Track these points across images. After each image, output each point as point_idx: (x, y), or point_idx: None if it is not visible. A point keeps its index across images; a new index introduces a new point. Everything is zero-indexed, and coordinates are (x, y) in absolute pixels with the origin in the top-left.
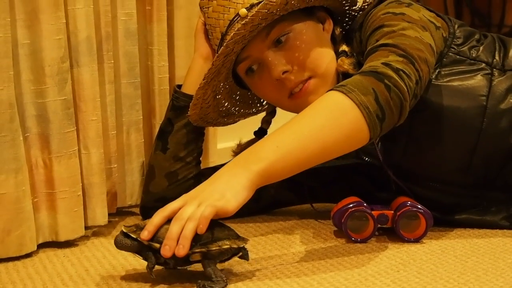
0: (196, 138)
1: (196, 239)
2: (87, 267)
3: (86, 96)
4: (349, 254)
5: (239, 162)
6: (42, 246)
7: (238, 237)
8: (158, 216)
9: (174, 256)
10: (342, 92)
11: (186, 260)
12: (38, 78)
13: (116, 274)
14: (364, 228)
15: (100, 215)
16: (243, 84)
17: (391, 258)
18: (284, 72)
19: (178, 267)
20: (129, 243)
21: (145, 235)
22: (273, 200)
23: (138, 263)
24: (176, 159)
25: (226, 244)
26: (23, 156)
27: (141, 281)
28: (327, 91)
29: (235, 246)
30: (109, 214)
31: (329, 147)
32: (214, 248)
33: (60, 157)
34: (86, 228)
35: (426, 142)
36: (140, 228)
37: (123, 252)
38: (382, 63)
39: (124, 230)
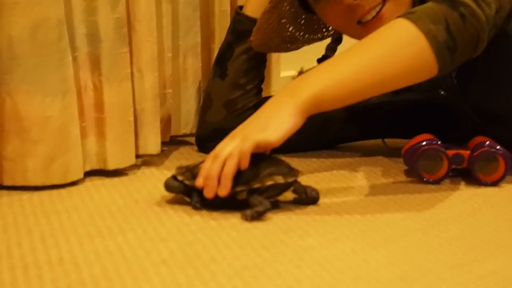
0: (258, 65)
1: (240, 176)
2: (137, 198)
3: (141, 16)
4: (421, 196)
5: (287, 89)
6: (89, 174)
7: (289, 171)
8: (210, 160)
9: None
10: (410, 19)
11: (233, 199)
12: None
13: (168, 207)
14: (437, 169)
15: (152, 144)
16: (309, 8)
17: (466, 202)
18: None
19: (226, 206)
20: (176, 184)
21: (200, 182)
22: (339, 135)
23: None
24: (235, 87)
25: (270, 180)
26: (71, 77)
27: (194, 214)
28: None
29: (281, 181)
30: (162, 143)
31: (388, 78)
32: (257, 186)
33: (111, 79)
34: (137, 156)
35: (507, 78)
36: (190, 170)
37: None
38: None
39: (175, 173)
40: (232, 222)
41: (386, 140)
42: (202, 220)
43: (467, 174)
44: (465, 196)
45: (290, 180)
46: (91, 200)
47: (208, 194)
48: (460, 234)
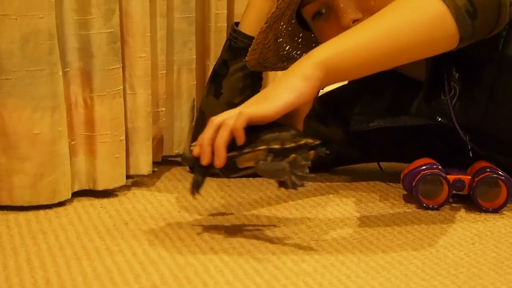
0: (253, 83)
1: (237, 146)
2: (127, 220)
3: (134, 30)
4: (419, 222)
5: (301, 59)
6: (77, 194)
7: (291, 138)
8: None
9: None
10: None
11: (234, 168)
12: (82, 8)
13: (158, 230)
14: (437, 194)
15: (143, 163)
16: (306, 26)
17: (466, 229)
18: (354, 21)
19: (230, 176)
20: (188, 157)
21: (197, 150)
22: (336, 156)
23: (183, 217)
24: (230, 106)
25: (262, 145)
26: (61, 93)
27: (185, 237)
28: None
29: (276, 146)
30: (154, 163)
31: (406, 46)
32: (246, 150)
33: (102, 96)
34: (128, 177)
35: (507, 104)
36: None
37: (167, 205)
38: None
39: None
40: (224, 246)
41: (385, 164)
42: (193, 244)
43: (467, 200)
44: (465, 223)
45: (290, 145)
46: (79, 220)
47: (202, 161)
48: (459, 262)
